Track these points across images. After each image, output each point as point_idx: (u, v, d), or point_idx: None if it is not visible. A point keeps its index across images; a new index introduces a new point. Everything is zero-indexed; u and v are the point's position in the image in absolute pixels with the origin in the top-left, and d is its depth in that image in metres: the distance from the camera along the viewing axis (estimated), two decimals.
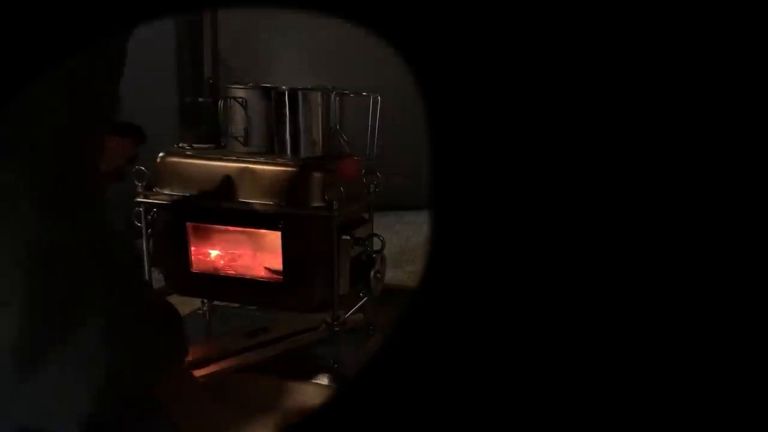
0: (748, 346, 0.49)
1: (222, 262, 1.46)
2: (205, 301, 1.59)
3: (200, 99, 1.41)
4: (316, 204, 1.31)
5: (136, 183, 1.39)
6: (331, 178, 1.30)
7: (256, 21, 2.57)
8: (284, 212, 1.32)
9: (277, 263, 1.37)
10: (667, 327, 0.50)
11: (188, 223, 1.41)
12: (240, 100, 1.37)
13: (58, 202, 0.60)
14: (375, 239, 1.38)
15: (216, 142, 1.45)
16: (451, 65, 0.49)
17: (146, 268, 1.44)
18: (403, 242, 2.67)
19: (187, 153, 1.43)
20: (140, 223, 1.41)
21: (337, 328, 1.34)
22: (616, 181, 0.49)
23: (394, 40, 0.49)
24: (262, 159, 1.36)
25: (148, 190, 1.40)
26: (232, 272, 1.44)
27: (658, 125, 0.47)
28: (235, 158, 1.39)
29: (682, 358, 0.50)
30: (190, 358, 1.28)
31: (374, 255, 1.38)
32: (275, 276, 1.39)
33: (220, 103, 1.37)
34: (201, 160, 1.41)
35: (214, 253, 1.46)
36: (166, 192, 1.41)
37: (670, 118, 0.47)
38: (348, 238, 1.34)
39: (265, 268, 1.41)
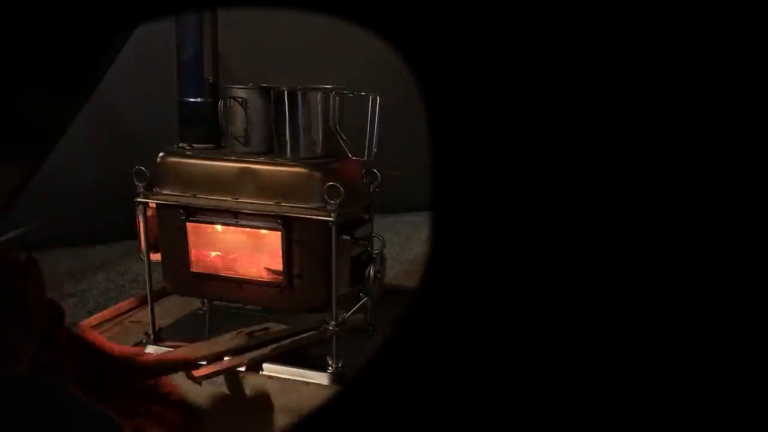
0: (747, 345, 0.49)
1: (221, 262, 1.46)
2: (205, 301, 1.59)
3: (200, 99, 1.41)
4: (316, 204, 1.31)
5: (137, 183, 1.38)
6: (331, 178, 1.30)
7: (256, 21, 2.57)
8: (284, 212, 1.32)
9: (277, 263, 1.37)
10: (663, 331, 0.50)
11: (188, 223, 1.41)
12: (240, 100, 1.37)
13: None
14: (375, 239, 1.37)
15: (216, 142, 1.45)
16: (450, 65, 0.49)
17: (146, 267, 1.44)
18: (403, 242, 2.67)
19: (187, 153, 1.43)
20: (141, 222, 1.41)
21: (337, 328, 1.34)
22: (615, 181, 0.48)
23: (394, 39, 0.49)
24: (262, 159, 1.36)
25: (148, 190, 1.40)
26: (232, 272, 1.44)
27: (658, 127, 0.47)
28: (235, 158, 1.39)
29: (678, 358, 0.50)
30: (190, 358, 1.29)
31: (374, 255, 1.38)
32: (275, 276, 1.39)
33: (220, 103, 1.37)
34: (201, 160, 1.41)
35: (213, 253, 1.46)
36: (166, 192, 1.41)
37: (669, 120, 0.47)
38: (348, 238, 1.34)
39: (265, 268, 1.41)
